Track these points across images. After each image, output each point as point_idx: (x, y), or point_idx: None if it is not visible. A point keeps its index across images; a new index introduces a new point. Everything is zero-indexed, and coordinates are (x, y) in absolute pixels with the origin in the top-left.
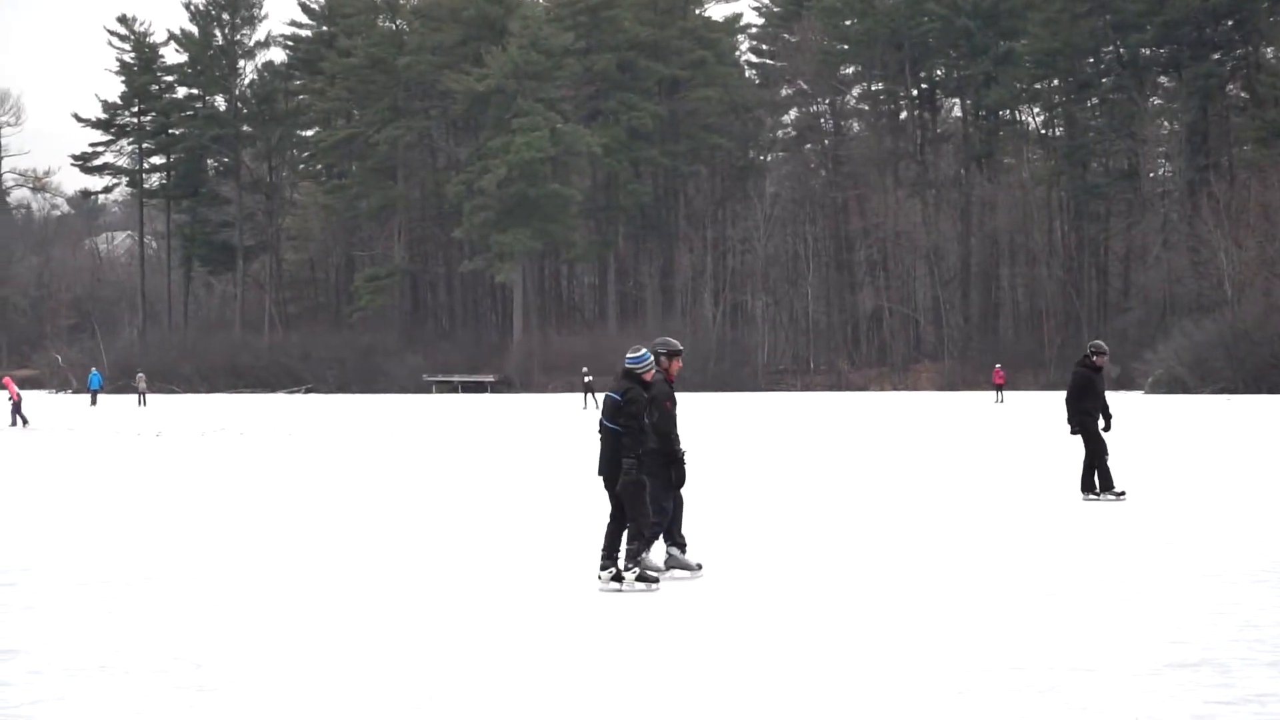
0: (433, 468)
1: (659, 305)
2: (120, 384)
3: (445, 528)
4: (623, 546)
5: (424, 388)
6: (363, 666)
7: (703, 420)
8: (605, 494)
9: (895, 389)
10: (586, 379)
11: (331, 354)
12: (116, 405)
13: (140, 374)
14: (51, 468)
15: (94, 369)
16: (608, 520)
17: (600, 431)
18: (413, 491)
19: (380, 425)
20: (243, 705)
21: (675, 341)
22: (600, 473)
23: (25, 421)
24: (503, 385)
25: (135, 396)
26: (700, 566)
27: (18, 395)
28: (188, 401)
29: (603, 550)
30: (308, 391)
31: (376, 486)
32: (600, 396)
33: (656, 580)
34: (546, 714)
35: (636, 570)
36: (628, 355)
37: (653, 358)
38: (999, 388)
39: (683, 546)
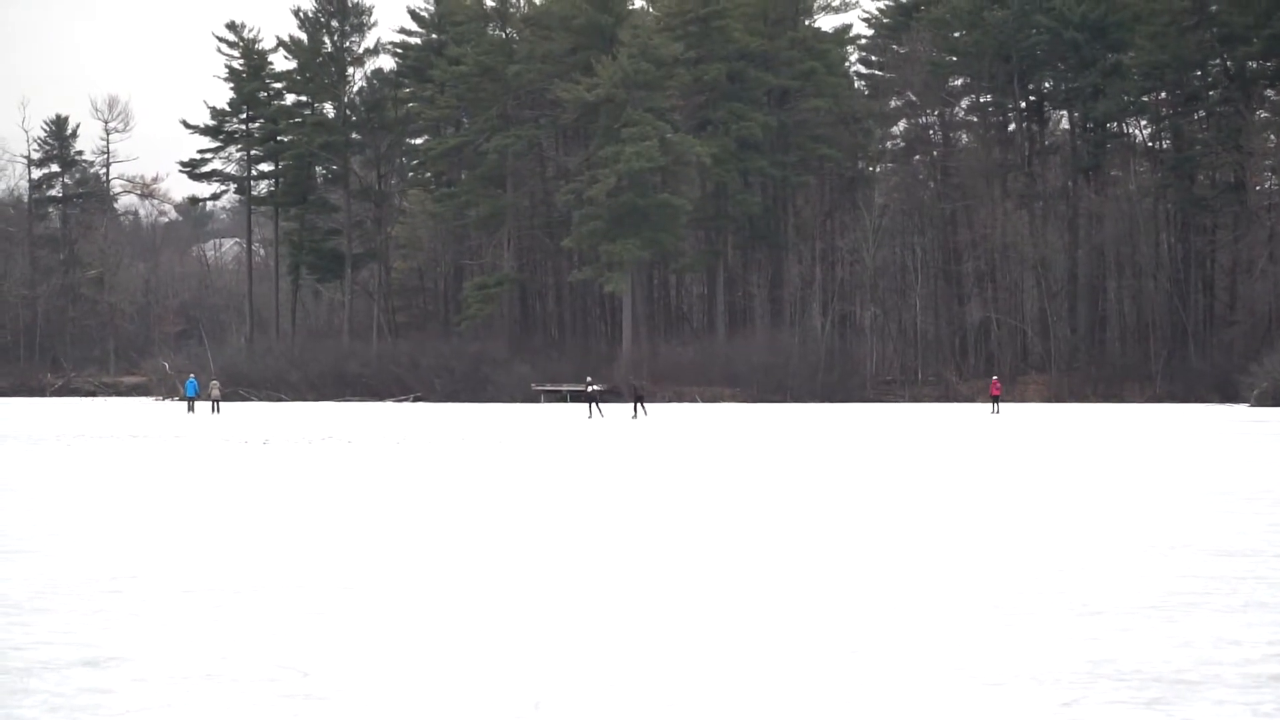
0: (541, 477)
1: (767, 315)
2: (225, 392)
3: (553, 536)
4: None
5: (532, 397)
6: (469, 675)
7: (811, 430)
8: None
9: (1003, 400)
10: (590, 389)
11: (440, 362)
12: (210, 413)
13: (214, 381)
14: (159, 475)
15: (190, 376)
16: None
17: None
18: (521, 500)
19: (489, 434)
20: (350, 714)
21: None
22: None
23: None
24: (611, 395)
25: (209, 404)
26: None
27: None
28: (295, 409)
29: None
30: (416, 400)
31: (485, 495)
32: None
33: None
34: None
35: None
36: None
37: None
38: (995, 399)
39: None
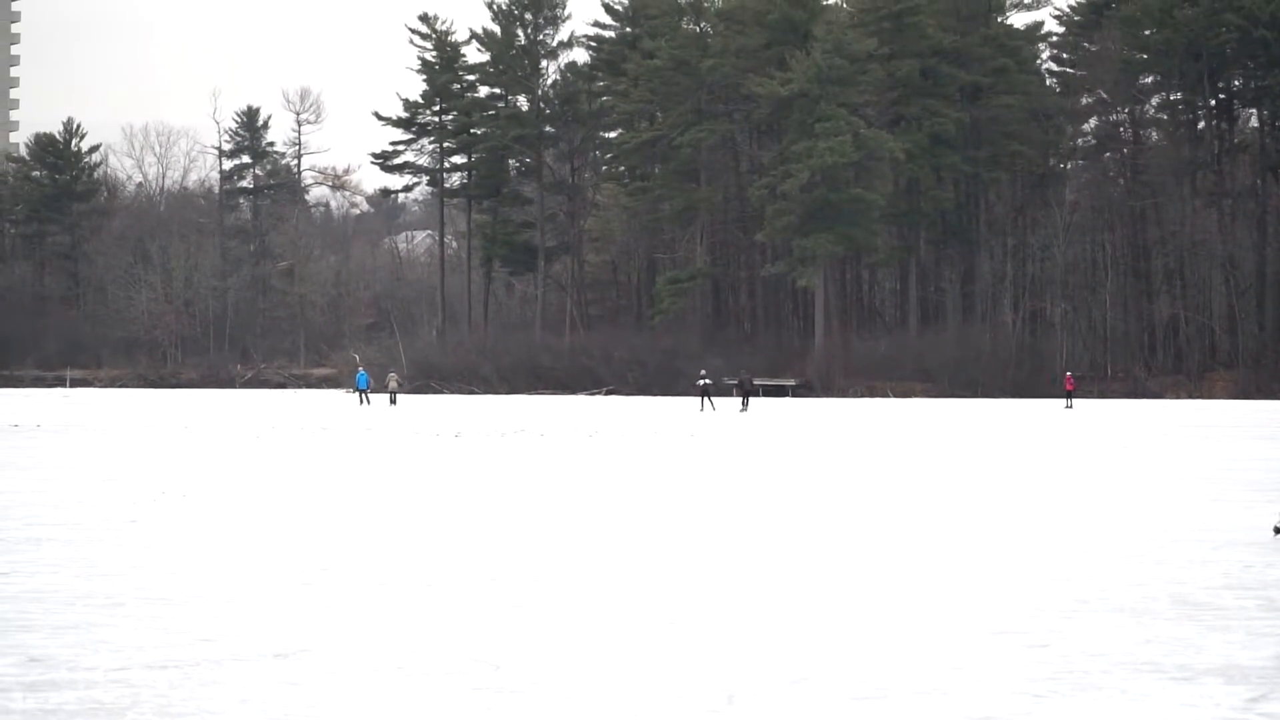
0: (731, 471)
1: (959, 311)
2: (413, 385)
3: (740, 531)
4: None
5: (725, 391)
6: (661, 668)
7: (996, 425)
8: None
9: (1191, 397)
10: (703, 382)
11: (633, 356)
12: (387, 405)
13: (391, 373)
14: (351, 468)
15: (360, 369)
16: None
17: None
18: (710, 495)
19: (680, 427)
20: (542, 708)
21: None
22: None
23: None
24: (804, 389)
25: (386, 396)
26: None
27: None
28: (486, 402)
29: None
30: (608, 393)
31: (676, 489)
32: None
33: None
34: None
35: None
36: None
37: None
38: (1069, 394)
39: None
